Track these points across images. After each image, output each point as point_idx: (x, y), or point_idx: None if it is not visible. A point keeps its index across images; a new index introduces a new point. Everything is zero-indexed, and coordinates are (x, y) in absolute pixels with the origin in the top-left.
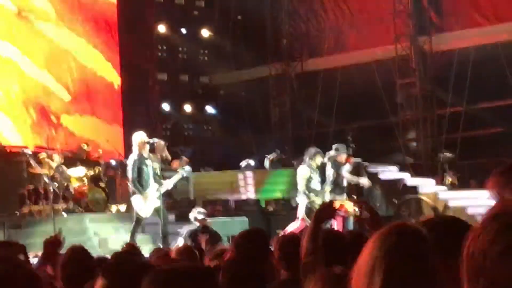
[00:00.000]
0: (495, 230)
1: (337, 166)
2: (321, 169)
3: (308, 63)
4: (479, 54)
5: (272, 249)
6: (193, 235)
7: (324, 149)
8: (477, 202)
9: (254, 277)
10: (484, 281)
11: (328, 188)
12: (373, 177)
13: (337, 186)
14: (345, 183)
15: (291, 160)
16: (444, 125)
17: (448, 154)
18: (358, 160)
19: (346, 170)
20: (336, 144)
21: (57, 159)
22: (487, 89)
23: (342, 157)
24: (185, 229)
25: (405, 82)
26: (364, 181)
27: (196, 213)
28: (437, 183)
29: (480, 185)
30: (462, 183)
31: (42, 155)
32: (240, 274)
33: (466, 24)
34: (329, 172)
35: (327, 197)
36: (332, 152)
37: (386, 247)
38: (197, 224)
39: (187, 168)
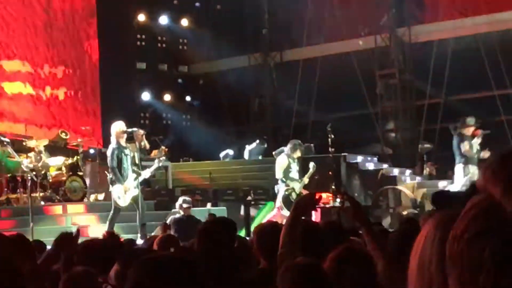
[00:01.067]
0: (468, 219)
1: (463, 138)
2: (301, 161)
3: (287, 53)
4: (458, 46)
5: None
6: (177, 223)
7: (304, 139)
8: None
9: (216, 267)
10: (457, 267)
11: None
12: (352, 167)
13: (465, 157)
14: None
15: (270, 150)
16: (423, 116)
17: (427, 145)
18: (487, 132)
19: (474, 142)
20: (467, 117)
21: (41, 147)
22: (466, 81)
23: (469, 129)
24: (168, 218)
25: (385, 73)
26: (485, 154)
27: (182, 202)
28: (416, 174)
29: None
30: (440, 174)
31: (31, 143)
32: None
33: (445, 16)
34: (455, 145)
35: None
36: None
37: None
38: (182, 212)
39: (164, 157)
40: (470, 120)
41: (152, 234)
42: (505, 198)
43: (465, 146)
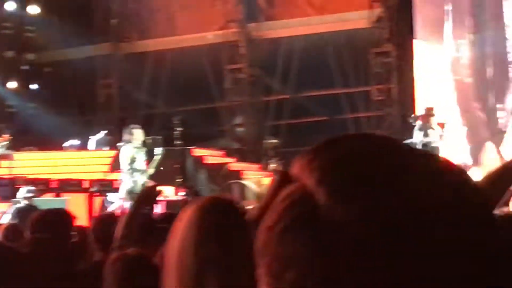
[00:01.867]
0: (280, 209)
1: (419, 127)
2: (148, 152)
3: (137, 44)
4: (306, 44)
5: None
6: (20, 213)
7: (152, 131)
8: None
9: (47, 258)
10: (268, 259)
11: None
12: (197, 161)
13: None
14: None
15: (116, 142)
16: (270, 112)
17: (273, 141)
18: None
19: (437, 134)
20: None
21: None
22: (312, 78)
23: (429, 117)
24: (11, 208)
25: (233, 68)
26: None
27: (26, 192)
28: (261, 169)
29: None
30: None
31: None
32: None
33: (295, 13)
34: (416, 137)
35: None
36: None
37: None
38: (26, 202)
39: (6, 145)
40: (429, 107)
41: None
42: (319, 189)
43: (418, 139)
